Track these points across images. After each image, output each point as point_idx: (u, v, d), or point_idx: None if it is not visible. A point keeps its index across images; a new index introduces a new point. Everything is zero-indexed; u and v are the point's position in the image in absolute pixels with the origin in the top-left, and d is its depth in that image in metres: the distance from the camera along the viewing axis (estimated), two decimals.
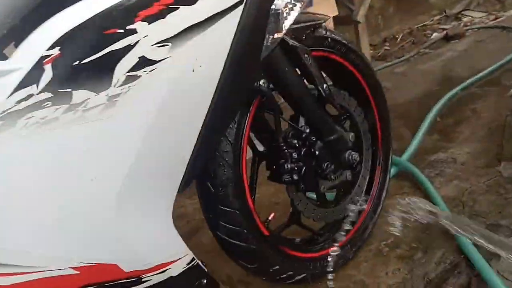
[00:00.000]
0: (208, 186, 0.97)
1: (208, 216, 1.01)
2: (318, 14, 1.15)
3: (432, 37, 3.54)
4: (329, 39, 1.15)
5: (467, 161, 1.62)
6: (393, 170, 1.64)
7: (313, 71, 1.02)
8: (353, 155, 1.13)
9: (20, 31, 0.51)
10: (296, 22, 1.07)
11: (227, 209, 0.97)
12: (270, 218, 1.12)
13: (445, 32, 3.44)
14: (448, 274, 1.09)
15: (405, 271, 1.17)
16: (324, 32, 1.14)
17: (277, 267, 1.08)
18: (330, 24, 2.88)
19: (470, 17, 3.92)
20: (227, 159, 0.96)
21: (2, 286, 0.54)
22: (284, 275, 1.11)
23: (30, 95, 0.50)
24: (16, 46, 0.51)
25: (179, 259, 0.80)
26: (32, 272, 0.57)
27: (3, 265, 0.53)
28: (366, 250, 1.30)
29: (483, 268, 1.00)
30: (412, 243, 1.27)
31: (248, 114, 0.98)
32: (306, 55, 1.00)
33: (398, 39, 3.77)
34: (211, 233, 1.04)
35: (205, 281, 0.91)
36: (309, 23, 1.06)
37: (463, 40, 3.26)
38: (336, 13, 2.84)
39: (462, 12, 4.09)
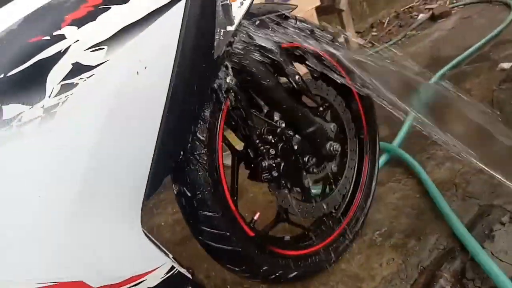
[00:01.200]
0: (185, 191, 0.93)
1: (189, 223, 0.98)
2: (285, 4, 1.11)
3: (419, 18, 3.49)
4: (299, 29, 1.11)
5: (457, 142, 1.58)
6: (384, 157, 1.61)
7: (283, 63, 0.99)
8: (334, 146, 1.09)
9: None
10: (264, 12, 1.04)
11: (207, 213, 0.94)
12: (255, 218, 1.09)
13: (431, 11, 3.39)
14: (442, 260, 1.05)
15: (399, 260, 1.13)
16: (294, 22, 1.10)
17: (266, 267, 1.04)
18: (313, 15, 2.84)
19: None
20: (201, 162, 0.92)
21: None
22: (275, 275, 1.07)
23: None
24: None
25: (156, 268, 0.77)
26: None
27: None
28: (359, 242, 1.26)
29: (477, 251, 0.97)
30: (405, 230, 1.23)
31: (220, 114, 0.95)
32: (274, 47, 0.96)
33: (385, 24, 3.72)
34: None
35: None
36: (275, 14, 1.02)
37: (449, 18, 3.21)
38: (318, 3, 2.80)
39: None
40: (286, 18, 1.09)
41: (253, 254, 1.02)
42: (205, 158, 0.92)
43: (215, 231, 0.96)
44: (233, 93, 0.92)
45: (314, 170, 1.08)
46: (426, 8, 3.66)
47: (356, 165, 1.30)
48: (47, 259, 0.58)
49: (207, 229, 0.96)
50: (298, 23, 1.10)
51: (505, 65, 2.01)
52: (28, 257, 0.57)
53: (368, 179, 1.34)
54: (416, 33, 3.20)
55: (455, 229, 1.09)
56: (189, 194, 0.93)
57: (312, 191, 1.13)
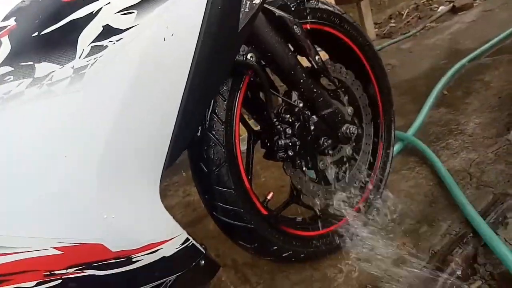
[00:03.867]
0: (202, 167, 0.95)
1: (204, 198, 0.99)
2: None
3: (439, 10, 3.43)
4: (321, 10, 1.11)
5: (475, 132, 1.57)
6: (399, 146, 1.60)
7: (304, 43, 0.99)
8: (351, 129, 1.09)
9: None
10: None
11: (223, 189, 0.95)
12: (269, 197, 1.10)
13: (452, 4, 3.33)
14: (454, 246, 1.05)
15: (410, 245, 1.14)
16: (315, 3, 1.10)
17: (277, 246, 1.06)
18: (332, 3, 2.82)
19: None
20: (219, 138, 0.93)
21: None
22: (285, 254, 1.09)
23: None
24: None
25: (171, 239, 0.79)
26: (13, 253, 0.56)
27: None
28: (371, 226, 1.27)
29: (490, 237, 0.97)
30: (417, 217, 1.23)
31: (239, 91, 0.96)
32: (295, 26, 0.97)
33: (404, 15, 3.67)
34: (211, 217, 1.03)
35: (203, 261, 0.90)
36: None
37: (471, 11, 3.15)
38: None
39: None
40: None
41: (266, 232, 1.03)
42: (223, 135, 0.93)
43: (229, 207, 0.97)
44: (252, 70, 0.92)
45: (329, 152, 1.08)
46: (447, 0, 3.60)
47: (371, 150, 1.30)
48: (69, 219, 0.60)
49: (221, 204, 0.97)
50: (319, 4, 1.10)
51: None
52: (51, 215, 0.59)
53: (382, 165, 1.34)
54: (435, 25, 3.15)
55: (468, 215, 1.08)
56: (205, 170, 0.95)
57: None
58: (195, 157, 0.96)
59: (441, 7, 3.50)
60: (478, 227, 1.02)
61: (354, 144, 1.18)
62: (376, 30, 3.46)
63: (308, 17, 1.08)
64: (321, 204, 1.14)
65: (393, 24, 3.56)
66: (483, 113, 1.68)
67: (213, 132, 0.92)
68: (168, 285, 0.85)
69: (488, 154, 1.40)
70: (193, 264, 0.88)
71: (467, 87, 1.97)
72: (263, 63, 0.98)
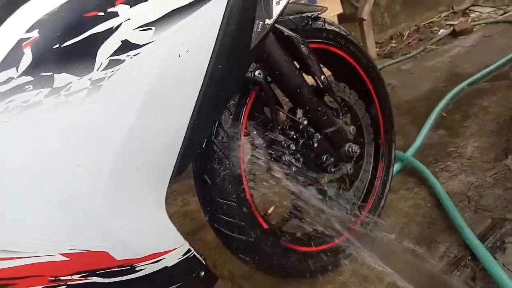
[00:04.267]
0: (205, 179, 0.96)
1: (206, 210, 1.00)
2: (316, 5, 1.14)
3: (439, 33, 3.49)
4: (327, 30, 1.13)
5: (473, 156, 1.59)
6: (398, 166, 1.62)
7: (310, 62, 1.01)
8: (353, 148, 1.11)
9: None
10: (292, 12, 1.06)
11: (225, 201, 0.96)
12: (270, 211, 1.11)
13: (452, 28, 3.39)
14: (452, 268, 1.06)
15: (408, 266, 1.14)
16: (322, 23, 1.13)
17: (276, 261, 1.06)
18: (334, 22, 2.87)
19: (478, 13, 3.87)
20: (224, 152, 0.95)
21: None
22: (284, 269, 1.09)
23: (10, 78, 0.50)
24: None
25: (174, 249, 0.79)
26: (20, 258, 0.56)
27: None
28: (369, 245, 1.27)
29: (488, 262, 0.98)
30: (415, 238, 1.24)
31: (245, 106, 0.97)
32: (302, 46, 0.99)
33: (405, 36, 3.73)
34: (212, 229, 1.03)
35: (202, 273, 0.90)
36: (306, 14, 1.05)
37: (470, 36, 3.21)
38: (340, 10, 2.82)
39: (470, 8, 4.04)
40: (315, 19, 1.11)
41: (266, 246, 1.03)
42: (228, 148, 0.95)
43: (231, 219, 0.98)
44: (259, 87, 0.94)
45: (331, 169, 1.10)
46: (447, 24, 3.66)
47: (371, 169, 1.31)
48: (77, 226, 0.61)
49: (223, 217, 0.98)
50: (326, 24, 1.13)
51: None
52: (60, 222, 0.59)
53: (382, 185, 1.35)
54: (435, 47, 3.21)
55: (466, 239, 1.10)
56: (209, 182, 0.96)
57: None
58: (199, 169, 0.97)
59: (441, 30, 3.57)
60: (477, 251, 1.03)
61: (355, 163, 1.19)
62: (377, 49, 3.51)
63: (315, 37, 1.11)
64: (321, 220, 1.14)
65: (394, 45, 3.62)
66: (482, 137, 1.71)
67: (218, 145, 0.93)
68: None
69: (486, 178, 1.42)
70: (194, 275, 0.88)
71: (465, 110, 2.00)
72: (270, 80, 1.00)
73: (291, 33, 0.97)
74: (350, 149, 1.10)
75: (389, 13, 3.87)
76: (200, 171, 0.96)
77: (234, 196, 0.97)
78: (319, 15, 1.12)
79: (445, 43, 3.25)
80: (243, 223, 0.99)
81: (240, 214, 0.98)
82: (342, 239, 1.20)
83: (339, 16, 2.83)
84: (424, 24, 3.88)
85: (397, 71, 2.95)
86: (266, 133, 1.06)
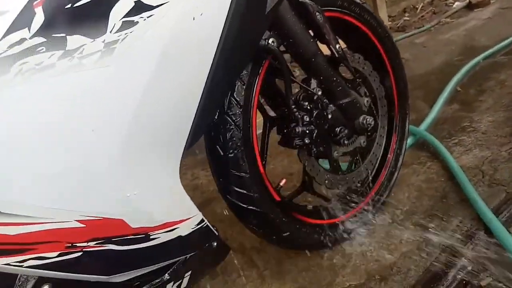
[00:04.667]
0: (218, 150, 0.95)
1: (219, 181, 1.00)
2: None
3: (454, 6, 3.39)
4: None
5: (488, 130, 1.56)
6: (411, 140, 1.60)
7: (325, 30, 0.98)
8: (368, 120, 1.09)
9: None
10: None
11: (238, 173, 0.96)
12: (281, 184, 1.10)
13: (468, 0, 3.29)
14: (465, 241, 1.05)
15: (420, 238, 1.14)
16: None
17: (288, 233, 1.06)
18: None
19: None
20: (236, 122, 0.93)
21: (8, 235, 0.54)
22: (295, 241, 1.09)
23: (23, 39, 0.48)
24: None
25: (188, 219, 0.79)
26: (38, 223, 0.56)
27: (8, 214, 0.53)
28: (380, 219, 1.27)
29: (503, 235, 0.97)
30: (427, 211, 1.23)
31: (258, 76, 0.95)
32: (317, 13, 0.96)
33: (418, 9, 3.63)
34: (224, 201, 1.03)
35: (215, 243, 0.90)
36: None
37: (487, 8, 3.11)
38: None
39: None
40: None
41: (278, 218, 1.03)
42: (241, 118, 0.93)
43: (243, 191, 0.97)
44: (272, 55, 0.92)
45: (345, 142, 1.08)
46: None
47: (384, 142, 1.29)
48: (93, 193, 0.61)
49: (235, 188, 0.97)
50: None
51: None
52: (76, 188, 0.59)
53: (394, 158, 1.34)
54: (450, 20, 3.12)
55: (480, 212, 1.08)
56: (221, 153, 0.95)
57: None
58: (211, 139, 0.96)
59: (456, 3, 3.46)
60: (490, 224, 1.02)
61: (368, 135, 1.17)
62: (390, 23, 3.43)
63: (329, 5, 1.07)
64: (333, 193, 1.14)
65: (407, 18, 3.52)
66: (497, 112, 1.67)
67: (231, 115, 0.92)
68: (181, 264, 0.86)
69: (501, 152, 1.40)
70: (206, 245, 0.89)
71: (481, 84, 1.96)
72: (283, 49, 0.97)
73: (306, 0, 0.94)
74: (364, 121, 1.08)
75: None
76: (213, 142, 0.95)
77: (246, 167, 0.96)
78: None
79: (460, 16, 3.16)
80: (255, 195, 0.98)
81: (252, 186, 0.97)
82: (353, 212, 1.20)
83: None
84: None
85: (410, 44, 2.88)
86: (278, 104, 1.05)
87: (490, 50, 2.21)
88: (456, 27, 2.91)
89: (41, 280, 0.64)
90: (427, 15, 3.44)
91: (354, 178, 1.18)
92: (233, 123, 0.93)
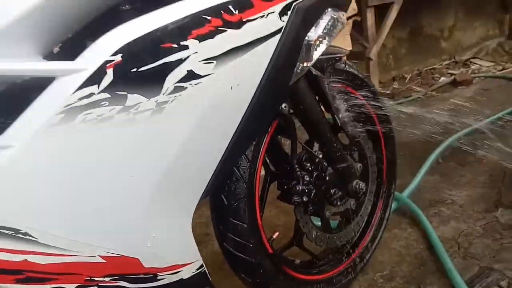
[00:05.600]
0: (222, 199, 1.01)
1: (218, 228, 1.05)
2: (338, 47, 1.22)
3: (440, 80, 3.64)
4: (347, 72, 1.22)
5: (465, 204, 1.68)
6: (393, 205, 1.69)
7: (331, 99, 1.09)
8: (360, 185, 1.18)
9: (87, 36, 0.57)
10: None
11: (238, 222, 1.01)
12: (274, 236, 1.16)
13: (453, 77, 3.54)
14: None
15: None
16: (343, 65, 1.21)
17: (276, 285, 1.11)
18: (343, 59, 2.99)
19: (478, 65, 4.04)
20: (243, 175, 1.00)
21: (39, 264, 0.58)
22: None
23: (91, 94, 0.56)
24: (83, 49, 0.57)
25: (191, 263, 0.84)
26: (67, 255, 0.61)
27: (44, 245, 0.58)
28: (361, 280, 1.33)
29: None
30: (406, 277, 1.30)
31: (267, 135, 1.04)
32: (326, 85, 1.07)
33: (407, 79, 3.87)
34: (216, 247, 1.08)
35: None
36: (330, 55, 1.13)
37: (470, 87, 3.36)
38: (350, 48, 2.94)
39: (471, 60, 4.22)
40: (337, 60, 1.19)
41: (268, 270, 1.08)
42: (248, 172, 1.01)
43: (240, 240, 1.03)
44: (284, 118, 1.01)
45: (338, 203, 1.16)
46: (448, 73, 3.82)
47: (371, 206, 1.38)
48: (120, 232, 0.66)
49: (233, 237, 1.03)
50: (347, 66, 1.21)
51: None
52: (106, 226, 0.65)
53: (379, 222, 1.42)
54: (436, 94, 3.34)
55: (455, 283, 1.16)
56: (225, 202, 1.01)
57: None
58: (218, 188, 1.02)
59: (442, 78, 3.72)
60: None
61: (359, 199, 1.26)
62: (380, 89, 3.64)
63: (336, 77, 1.19)
64: (321, 250, 1.20)
65: (396, 86, 3.75)
66: (474, 187, 1.80)
67: (239, 168, 0.99)
68: None
69: (476, 227, 1.50)
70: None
71: (461, 159, 2.10)
72: (292, 112, 1.07)
73: (317, 72, 1.05)
74: (357, 186, 1.17)
75: (394, 56, 4.02)
76: (219, 192, 1.02)
77: (246, 217, 1.02)
78: (341, 57, 1.20)
79: (445, 90, 3.39)
80: (251, 245, 1.04)
81: (250, 236, 1.03)
82: (338, 271, 1.26)
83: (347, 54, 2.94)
84: (427, 70, 4.04)
85: (397, 112, 3.06)
86: (280, 161, 1.13)
87: (471, 128, 2.37)
88: (440, 101, 3.12)
89: None
90: (415, 86, 3.67)
91: (342, 237, 1.26)
92: (240, 176, 1.00)
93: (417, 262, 1.37)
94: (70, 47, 0.59)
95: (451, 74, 3.75)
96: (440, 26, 4.34)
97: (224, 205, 1.01)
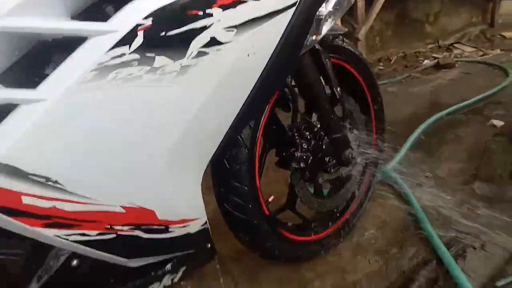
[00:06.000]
0: (224, 163, 1.08)
1: (219, 190, 1.12)
2: (337, 25, 1.28)
3: (424, 63, 3.75)
4: (344, 49, 1.28)
5: (445, 177, 1.79)
6: (378, 176, 1.79)
7: (331, 74, 1.15)
8: (352, 154, 1.26)
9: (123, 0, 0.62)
10: None
11: (239, 184, 1.09)
12: (270, 200, 1.24)
13: (436, 60, 3.65)
14: (419, 268, 1.23)
15: (381, 262, 1.31)
16: (341, 42, 1.28)
17: (271, 244, 1.20)
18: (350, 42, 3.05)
19: (460, 50, 4.17)
20: (245, 142, 1.07)
21: (67, 211, 0.64)
22: (275, 253, 1.23)
23: (123, 54, 0.60)
24: (116, 11, 0.61)
25: (197, 219, 0.90)
26: (91, 204, 0.67)
27: (72, 193, 0.64)
28: (348, 242, 1.44)
29: (452, 266, 1.15)
30: (389, 239, 1.41)
31: (268, 105, 1.10)
32: (327, 59, 1.13)
33: (392, 61, 3.96)
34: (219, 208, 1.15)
35: (209, 245, 1.01)
36: (331, 32, 1.19)
37: (452, 71, 3.48)
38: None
39: (454, 45, 4.34)
40: (336, 37, 1.26)
41: (264, 230, 1.17)
42: (249, 139, 1.07)
43: (240, 201, 1.10)
44: (288, 88, 1.08)
45: (331, 170, 1.25)
46: (432, 56, 3.93)
47: (359, 175, 1.47)
48: (140, 184, 0.72)
49: (234, 198, 1.10)
50: (344, 43, 1.28)
51: (496, 122, 2.25)
52: (129, 178, 0.71)
53: (366, 190, 1.52)
54: (419, 75, 3.45)
55: (434, 245, 1.27)
56: (227, 166, 1.08)
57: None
58: (220, 153, 1.08)
59: (426, 61, 3.83)
60: (442, 256, 1.21)
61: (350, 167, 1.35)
62: None
63: (334, 53, 1.25)
64: (313, 214, 1.29)
65: (381, 67, 3.84)
66: (454, 163, 1.92)
67: (241, 135, 1.06)
68: (180, 259, 0.97)
69: (455, 197, 1.62)
70: (203, 245, 1.00)
71: (442, 137, 2.21)
72: (293, 84, 1.13)
73: (320, 48, 1.11)
74: (349, 155, 1.25)
75: (380, 37, 4.10)
76: (221, 155, 1.08)
77: (247, 180, 1.09)
78: (340, 34, 1.27)
79: (428, 73, 3.51)
80: (250, 206, 1.12)
81: (249, 198, 1.11)
82: (326, 233, 1.36)
83: None
84: (411, 53, 4.14)
85: (383, 92, 3.15)
86: (280, 130, 1.20)
87: (452, 108, 2.49)
88: (424, 83, 3.23)
89: (72, 256, 0.74)
90: (400, 68, 3.77)
91: (332, 203, 1.35)
92: (242, 142, 1.07)
93: (399, 227, 1.48)
94: (104, 9, 0.64)
95: (435, 58, 3.87)
96: (426, 11, 4.43)
97: (226, 168, 1.08)
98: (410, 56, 4.08)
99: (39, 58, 0.66)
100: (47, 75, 0.61)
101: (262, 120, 1.10)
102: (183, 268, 0.98)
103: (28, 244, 0.68)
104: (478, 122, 2.33)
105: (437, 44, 4.41)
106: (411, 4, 4.21)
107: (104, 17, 0.61)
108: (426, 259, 1.27)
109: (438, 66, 3.57)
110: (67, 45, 0.61)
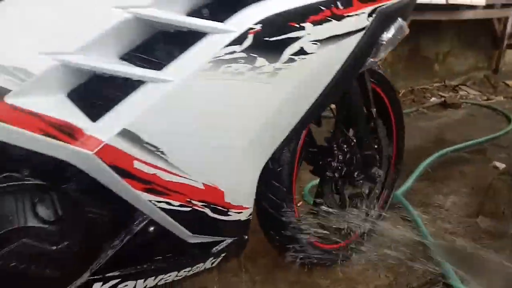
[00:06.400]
0: (268, 163, 1.17)
1: (259, 187, 1.21)
2: None
3: (431, 100, 3.91)
4: (378, 73, 1.40)
5: (450, 209, 1.90)
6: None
7: (369, 95, 1.27)
8: (378, 172, 1.37)
9: (237, 5, 0.72)
10: None
11: (277, 184, 1.18)
12: (298, 205, 1.34)
13: (443, 99, 3.82)
14: (427, 285, 1.33)
15: (391, 277, 1.40)
16: (377, 67, 1.40)
17: (292, 245, 1.28)
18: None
19: (466, 92, 4.35)
20: (289, 146, 1.17)
21: (163, 179, 0.73)
22: (295, 255, 1.31)
23: (234, 52, 0.71)
24: (232, 14, 0.72)
25: (248, 208, 0.99)
26: (182, 176, 0.76)
27: (171, 165, 0.73)
28: (360, 256, 1.52)
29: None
30: (399, 259, 1.51)
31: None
32: (368, 82, 1.25)
33: (400, 94, 4.12)
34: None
35: (246, 237, 1.10)
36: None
37: (458, 111, 3.64)
38: None
39: (460, 86, 4.52)
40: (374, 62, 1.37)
41: (293, 231, 1.26)
42: (293, 143, 1.17)
43: (277, 200, 1.20)
44: None
45: (357, 184, 1.35)
46: (439, 94, 4.10)
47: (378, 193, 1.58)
48: (222, 166, 0.82)
49: (271, 196, 1.19)
50: (379, 68, 1.40)
51: (498, 164, 2.39)
52: (216, 160, 0.80)
53: (380, 209, 1.62)
54: (426, 112, 3.60)
55: (442, 267, 1.37)
56: (270, 166, 1.17)
57: None
58: None
59: (433, 98, 3.99)
60: (450, 279, 1.31)
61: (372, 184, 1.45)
62: None
63: (372, 77, 1.37)
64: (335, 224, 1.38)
65: None
66: (458, 196, 2.03)
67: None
68: (224, 244, 1.05)
69: (459, 228, 1.73)
70: (243, 234, 1.08)
71: (447, 171, 2.34)
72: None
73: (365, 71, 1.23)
74: (376, 172, 1.36)
75: (391, 70, 4.26)
76: None
77: (286, 182, 1.19)
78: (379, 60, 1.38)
79: (435, 110, 3.66)
80: (285, 206, 1.21)
81: (285, 198, 1.20)
82: (344, 245, 1.45)
83: None
84: (419, 88, 4.31)
85: None
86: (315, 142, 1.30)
87: (458, 146, 2.63)
88: (431, 119, 3.38)
89: (151, 222, 0.83)
90: (407, 101, 3.92)
91: (352, 216, 1.44)
92: (287, 146, 1.16)
93: (408, 249, 1.58)
94: (223, 12, 0.74)
95: (441, 96, 4.03)
96: (437, 50, 4.63)
97: (268, 168, 1.17)
98: (417, 91, 4.25)
99: (166, 45, 0.75)
100: (162, 61, 0.71)
101: (305, 128, 1.20)
102: (223, 254, 1.05)
103: (117, 207, 0.76)
104: (481, 162, 2.46)
105: (443, 83, 4.59)
106: (423, 42, 4.40)
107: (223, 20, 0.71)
108: (434, 280, 1.37)
109: (444, 105, 3.73)
110: (184, 37, 0.71)
